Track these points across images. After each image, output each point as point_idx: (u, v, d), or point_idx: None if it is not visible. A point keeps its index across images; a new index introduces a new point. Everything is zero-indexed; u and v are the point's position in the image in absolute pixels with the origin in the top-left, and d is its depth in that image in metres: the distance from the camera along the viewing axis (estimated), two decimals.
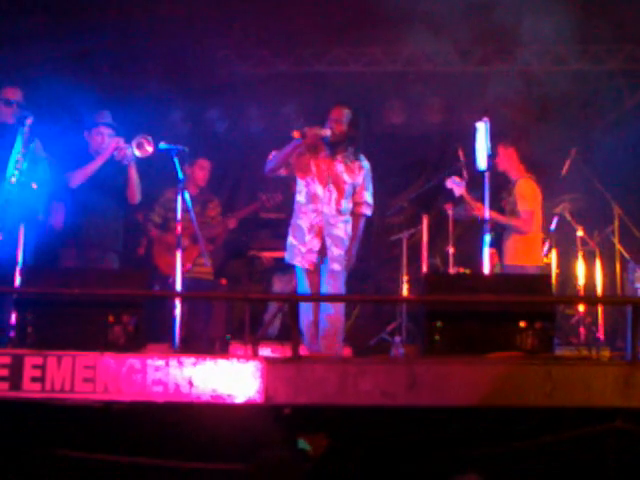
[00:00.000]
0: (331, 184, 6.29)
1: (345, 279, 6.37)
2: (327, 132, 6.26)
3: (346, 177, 6.33)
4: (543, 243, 7.93)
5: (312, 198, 6.30)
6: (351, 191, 6.36)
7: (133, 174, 6.69)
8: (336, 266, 6.27)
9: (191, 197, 7.58)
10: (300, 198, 6.37)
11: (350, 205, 6.38)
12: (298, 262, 6.32)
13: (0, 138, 6.13)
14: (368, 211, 6.46)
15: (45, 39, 8.69)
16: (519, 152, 7.56)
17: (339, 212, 6.31)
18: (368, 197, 6.43)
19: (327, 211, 6.27)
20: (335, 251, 6.26)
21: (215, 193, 8.39)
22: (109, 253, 6.77)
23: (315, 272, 6.32)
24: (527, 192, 7.43)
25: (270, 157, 6.40)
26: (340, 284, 6.29)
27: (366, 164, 6.44)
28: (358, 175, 6.38)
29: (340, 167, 6.33)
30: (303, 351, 6.20)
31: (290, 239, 6.39)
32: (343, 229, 6.32)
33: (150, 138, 6.35)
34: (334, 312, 6.21)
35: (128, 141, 6.52)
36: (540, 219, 7.56)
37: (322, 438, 4.45)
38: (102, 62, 9.56)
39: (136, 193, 6.79)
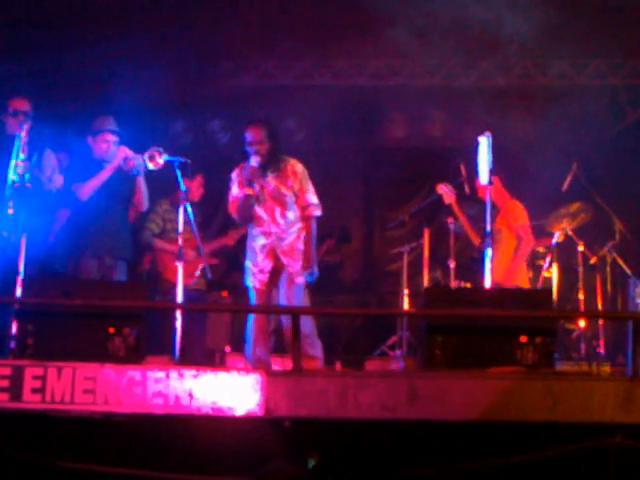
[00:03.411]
0: (271, 201, 6.29)
1: (303, 287, 6.34)
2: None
3: (283, 189, 6.30)
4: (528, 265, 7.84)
5: (258, 221, 6.31)
6: (293, 199, 6.34)
7: (141, 183, 6.67)
8: (299, 279, 6.27)
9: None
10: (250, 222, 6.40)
11: (297, 213, 6.35)
12: (250, 282, 6.33)
13: (8, 149, 6.09)
14: (316, 211, 6.40)
15: (47, 48, 8.72)
16: (502, 180, 7.55)
17: (287, 225, 6.30)
18: (311, 198, 6.38)
19: (275, 230, 6.28)
20: (294, 265, 6.27)
21: (217, 207, 8.39)
22: (120, 261, 6.72)
23: (266, 291, 6.32)
24: (518, 211, 7.53)
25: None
26: (301, 296, 6.29)
27: (298, 167, 6.39)
28: (294, 181, 6.33)
29: (274, 182, 6.31)
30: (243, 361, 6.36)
31: (246, 262, 6.40)
32: (298, 239, 6.31)
33: (161, 150, 6.30)
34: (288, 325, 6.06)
35: (135, 151, 6.51)
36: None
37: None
38: (103, 71, 9.57)
39: (143, 201, 6.77)
